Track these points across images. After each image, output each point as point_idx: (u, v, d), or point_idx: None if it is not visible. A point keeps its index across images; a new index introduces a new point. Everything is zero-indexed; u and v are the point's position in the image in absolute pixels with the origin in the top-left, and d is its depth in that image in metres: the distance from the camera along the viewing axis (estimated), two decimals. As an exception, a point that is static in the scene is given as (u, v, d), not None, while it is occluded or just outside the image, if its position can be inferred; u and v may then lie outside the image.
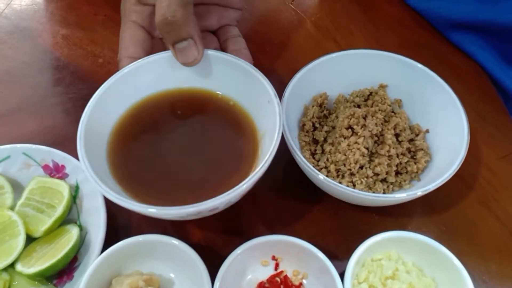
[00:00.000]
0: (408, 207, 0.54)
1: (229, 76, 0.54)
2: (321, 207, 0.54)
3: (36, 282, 0.46)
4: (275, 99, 0.49)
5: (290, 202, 0.55)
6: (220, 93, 0.55)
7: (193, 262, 0.45)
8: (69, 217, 0.51)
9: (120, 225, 0.53)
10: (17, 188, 0.52)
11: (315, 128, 0.56)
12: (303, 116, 0.56)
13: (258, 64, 0.67)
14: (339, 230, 0.53)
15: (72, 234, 0.48)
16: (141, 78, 0.53)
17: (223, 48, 0.58)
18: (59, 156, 0.53)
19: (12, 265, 0.47)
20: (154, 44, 0.55)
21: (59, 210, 0.49)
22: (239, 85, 0.53)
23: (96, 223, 0.49)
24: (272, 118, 0.49)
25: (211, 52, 0.53)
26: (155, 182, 0.50)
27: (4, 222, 0.48)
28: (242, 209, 0.54)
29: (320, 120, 0.56)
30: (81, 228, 0.50)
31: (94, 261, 0.45)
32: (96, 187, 0.44)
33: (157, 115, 0.54)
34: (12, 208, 0.50)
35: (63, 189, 0.51)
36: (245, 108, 0.54)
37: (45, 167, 0.53)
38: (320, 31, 0.73)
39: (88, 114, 0.48)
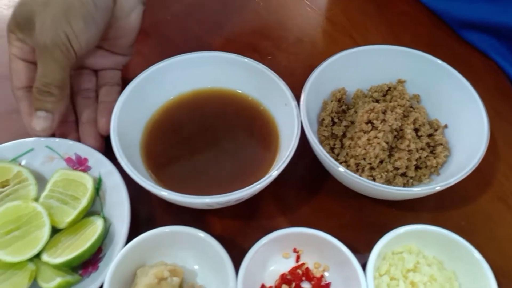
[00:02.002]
0: (427, 201, 0.54)
1: (251, 79, 0.56)
2: (341, 201, 0.55)
3: (62, 273, 0.47)
4: (293, 102, 0.52)
5: (310, 196, 0.55)
6: (245, 93, 0.57)
7: (217, 253, 0.46)
8: (92, 209, 0.52)
9: (142, 218, 0.53)
10: (40, 180, 0.53)
11: (334, 123, 0.56)
12: (322, 111, 0.57)
13: (274, 60, 0.68)
14: (359, 224, 0.53)
15: (96, 225, 0.49)
16: (175, 76, 0.56)
17: (98, 91, 0.58)
18: (82, 149, 0.54)
19: (37, 256, 0.47)
20: None
21: (84, 202, 0.50)
22: (261, 88, 0.56)
23: (120, 215, 0.49)
24: (290, 119, 0.52)
25: (234, 57, 0.55)
26: (186, 175, 0.52)
27: (29, 213, 0.49)
28: (262, 203, 0.55)
29: (339, 115, 0.57)
30: (104, 220, 0.50)
31: (119, 252, 0.46)
32: (132, 176, 0.46)
33: (189, 113, 0.57)
34: (36, 200, 0.51)
35: (86, 181, 0.51)
36: (268, 109, 0.56)
37: (68, 160, 0.54)
38: (336, 28, 0.73)
39: (120, 107, 0.51)
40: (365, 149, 0.51)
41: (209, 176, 0.52)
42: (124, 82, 0.57)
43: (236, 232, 0.53)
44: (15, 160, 0.53)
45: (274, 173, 0.47)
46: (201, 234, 0.47)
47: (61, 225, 0.49)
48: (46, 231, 0.48)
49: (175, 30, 0.72)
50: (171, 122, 0.55)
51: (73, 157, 0.54)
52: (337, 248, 0.47)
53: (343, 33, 0.72)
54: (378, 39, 0.72)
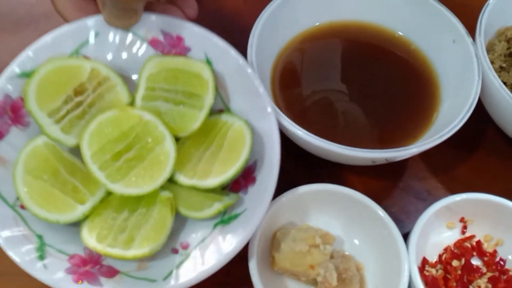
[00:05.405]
0: None
1: (401, 9, 0.46)
2: (506, 161, 0.46)
3: (213, 195, 0.35)
4: (468, 38, 0.42)
5: (466, 154, 0.47)
6: (391, 28, 0.47)
7: (379, 221, 0.38)
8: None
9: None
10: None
11: (501, 69, 0.46)
12: (488, 53, 0.47)
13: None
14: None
15: (237, 126, 0.36)
16: (309, 4, 0.46)
17: None
18: (172, 24, 0.37)
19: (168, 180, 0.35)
20: None
21: (209, 98, 0.36)
22: (415, 21, 0.46)
23: (254, 107, 0.36)
24: (460, 60, 0.42)
25: None
26: (327, 122, 0.44)
27: (136, 125, 0.34)
28: (409, 161, 0.46)
29: (505, 59, 0.47)
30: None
31: (275, 160, 0.35)
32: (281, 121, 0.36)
33: (325, 49, 0.47)
34: (131, 104, 0.37)
35: (200, 69, 0.36)
36: (421, 49, 0.46)
37: (153, 43, 0.38)
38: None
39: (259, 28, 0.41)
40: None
41: (355, 126, 0.44)
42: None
43: (380, 193, 0.45)
44: (77, 53, 0.37)
45: (456, 126, 0.38)
46: (361, 197, 0.39)
47: (184, 133, 0.36)
48: (170, 146, 0.34)
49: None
50: (305, 58, 0.46)
51: (160, 37, 0.38)
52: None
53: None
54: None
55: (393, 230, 0.37)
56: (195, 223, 0.36)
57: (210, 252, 0.33)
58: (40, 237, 0.34)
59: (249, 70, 0.37)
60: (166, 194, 0.35)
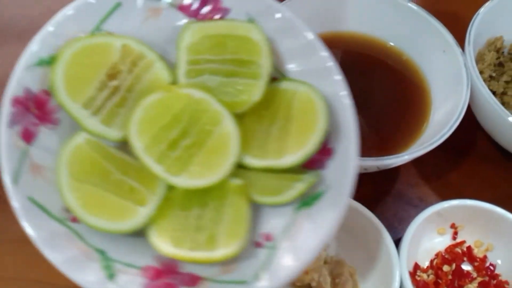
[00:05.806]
0: None
1: (396, 21, 0.47)
2: (501, 170, 0.47)
3: (290, 175, 0.30)
4: (457, 49, 0.43)
5: (458, 160, 0.48)
6: (389, 42, 0.48)
7: (371, 227, 0.39)
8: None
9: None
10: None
11: (490, 78, 0.48)
12: (478, 63, 0.48)
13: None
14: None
15: (302, 93, 0.30)
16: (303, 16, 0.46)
17: None
18: None
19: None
20: None
21: (266, 63, 0.30)
22: (406, 32, 0.47)
23: (314, 70, 0.31)
24: (450, 70, 0.43)
25: None
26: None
27: (187, 106, 0.29)
28: (401, 167, 0.47)
29: (495, 69, 0.48)
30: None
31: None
32: None
33: None
34: (175, 84, 0.31)
35: (247, 31, 0.31)
36: (413, 59, 0.47)
37: (184, 8, 0.32)
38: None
39: None
40: (539, 110, 0.43)
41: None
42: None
43: (373, 199, 0.46)
44: (98, 30, 0.31)
45: (446, 134, 0.39)
46: (354, 203, 0.40)
47: (243, 108, 0.30)
48: (230, 124, 0.29)
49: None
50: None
51: (193, 0, 0.32)
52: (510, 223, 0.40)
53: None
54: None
55: (385, 236, 0.38)
56: (270, 210, 0.31)
57: (301, 240, 0.29)
58: (102, 252, 0.28)
59: (302, 26, 0.31)
60: (237, 181, 0.30)
